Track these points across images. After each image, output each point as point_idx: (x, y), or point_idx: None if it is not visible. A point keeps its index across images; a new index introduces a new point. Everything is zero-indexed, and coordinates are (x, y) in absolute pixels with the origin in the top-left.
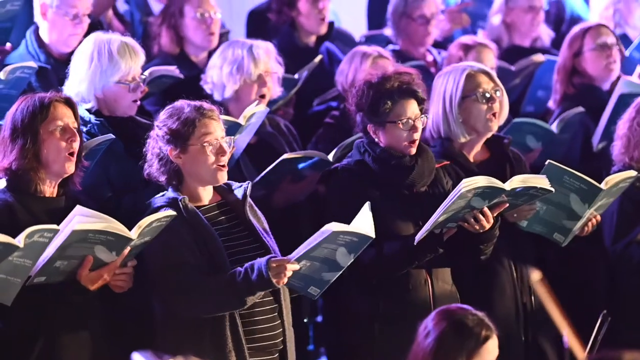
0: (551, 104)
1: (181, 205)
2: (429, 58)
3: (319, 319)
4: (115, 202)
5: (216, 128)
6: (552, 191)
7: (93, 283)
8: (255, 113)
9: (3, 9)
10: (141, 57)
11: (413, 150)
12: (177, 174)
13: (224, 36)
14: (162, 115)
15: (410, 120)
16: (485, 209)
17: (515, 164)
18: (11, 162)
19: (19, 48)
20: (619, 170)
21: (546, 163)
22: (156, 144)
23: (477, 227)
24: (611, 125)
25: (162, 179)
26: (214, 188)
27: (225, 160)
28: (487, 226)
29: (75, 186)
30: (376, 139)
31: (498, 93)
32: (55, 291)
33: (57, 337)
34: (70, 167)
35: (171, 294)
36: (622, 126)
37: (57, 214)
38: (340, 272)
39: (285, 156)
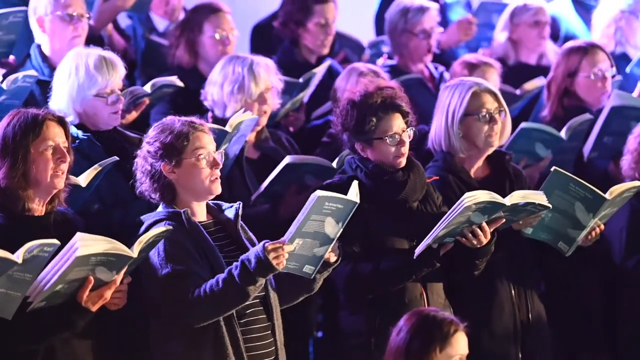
0: (543, 114)
1: (184, 217)
2: (426, 73)
3: (319, 334)
4: (106, 216)
5: (208, 141)
6: (549, 207)
7: (94, 304)
8: (243, 121)
9: (6, 21)
10: (120, 69)
11: (403, 162)
12: (171, 190)
13: None
14: (152, 131)
15: (397, 135)
16: (484, 224)
17: (515, 180)
18: None
19: (25, 66)
20: None
21: (552, 170)
22: (146, 162)
23: (475, 242)
24: (603, 137)
25: (155, 196)
26: (207, 209)
27: (218, 173)
28: (485, 241)
29: (61, 204)
30: (365, 156)
31: (502, 114)
32: (58, 317)
33: (56, 354)
34: (60, 183)
35: (178, 302)
36: (633, 141)
37: (47, 232)
38: (331, 245)
39: (287, 160)
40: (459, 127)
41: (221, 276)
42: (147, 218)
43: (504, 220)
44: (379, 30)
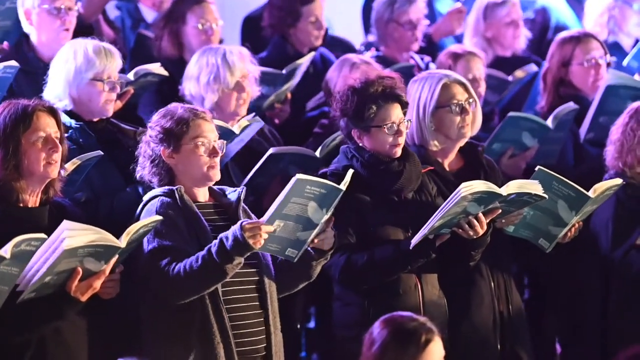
0: (540, 105)
1: (177, 195)
2: (412, 63)
3: (312, 325)
4: (92, 207)
5: (209, 129)
6: (545, 198)
7: (83, 294)
8: (250, 124)
9: (2, 7)
10: (117, 59)
11: (398, 152)
12: (169, 174)
13: None
14: (155, 116)
15: (394, 125)
16: (480, 214)
17: (489, 171)
18: None
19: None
20: (614, 176)
21: (536, 169)
22: (148, 147)
23: (471, 233)
24: (599, 116)
25: (155, 180)
26: (210, 193)
27: (217, 161)
28: (481, 232)
29: (56, 194)
30: (361, 144)
31: (472, 104)
32: (48, 307)
33: (47, 345)
34: (54, 171)
35: (160, 277)
36: (616, 131)
37: (42, 223)
38: (316, 230)
39: (272, 150)
40: (431, 120)
41: (201, 253)
42: (149, 194)
43: (500, 210)
44: (366, 25)
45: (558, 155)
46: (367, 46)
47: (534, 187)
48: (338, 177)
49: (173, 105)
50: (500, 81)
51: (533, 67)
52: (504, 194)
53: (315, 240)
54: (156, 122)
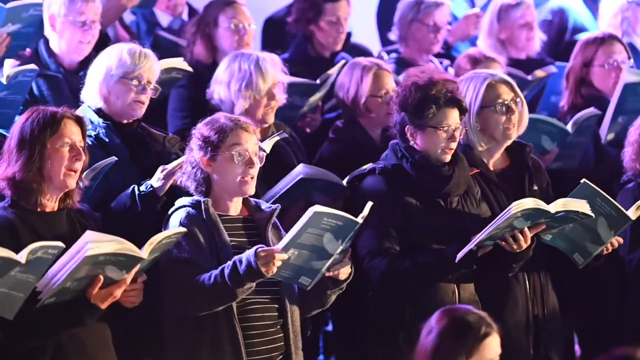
0: (562, 104)
1: (203, 207)
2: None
3: (329, 328)
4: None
5: (248, 140)
6: (592, 217)
7: (103, 301)
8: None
9: (26, 14)
10: (152, 63)
11: (448, 157)
12: (206, 182)
13: None
14: (200, 124)
15: (450, 129)
16: (526, 229)
17: (535, 172)
18: (15, 172)
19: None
20: (631, 177)
21: (581, 182)
22: (191, 152)
23: (515, 247)
24: (618, 116)
25: (191, 186)
26: (244, 204)
27: (252, 172)
28: (525, 246)
29: (73, 203)
30: (412, 142)
31: (518, 103)
32: (67, 313)
33: (66, 348)
34: (72, 182)
35: (172, 290)
36: (633, 132)
37: (59, 229)
38: (330, 260)
39: (302, 174)
40: (476, 120)
41: (214, 272)
42: (178, 203)
43: (545, 226)
44: (381, 30)
45: (579, 159)
46: (388, 54)
47: (581, 205)
48: (387, 174)
49: (218, 114)
50: (519, 80)
51: (552, 69)
52: (552, 211)
53: (331, 270)
54: (200, 128)
